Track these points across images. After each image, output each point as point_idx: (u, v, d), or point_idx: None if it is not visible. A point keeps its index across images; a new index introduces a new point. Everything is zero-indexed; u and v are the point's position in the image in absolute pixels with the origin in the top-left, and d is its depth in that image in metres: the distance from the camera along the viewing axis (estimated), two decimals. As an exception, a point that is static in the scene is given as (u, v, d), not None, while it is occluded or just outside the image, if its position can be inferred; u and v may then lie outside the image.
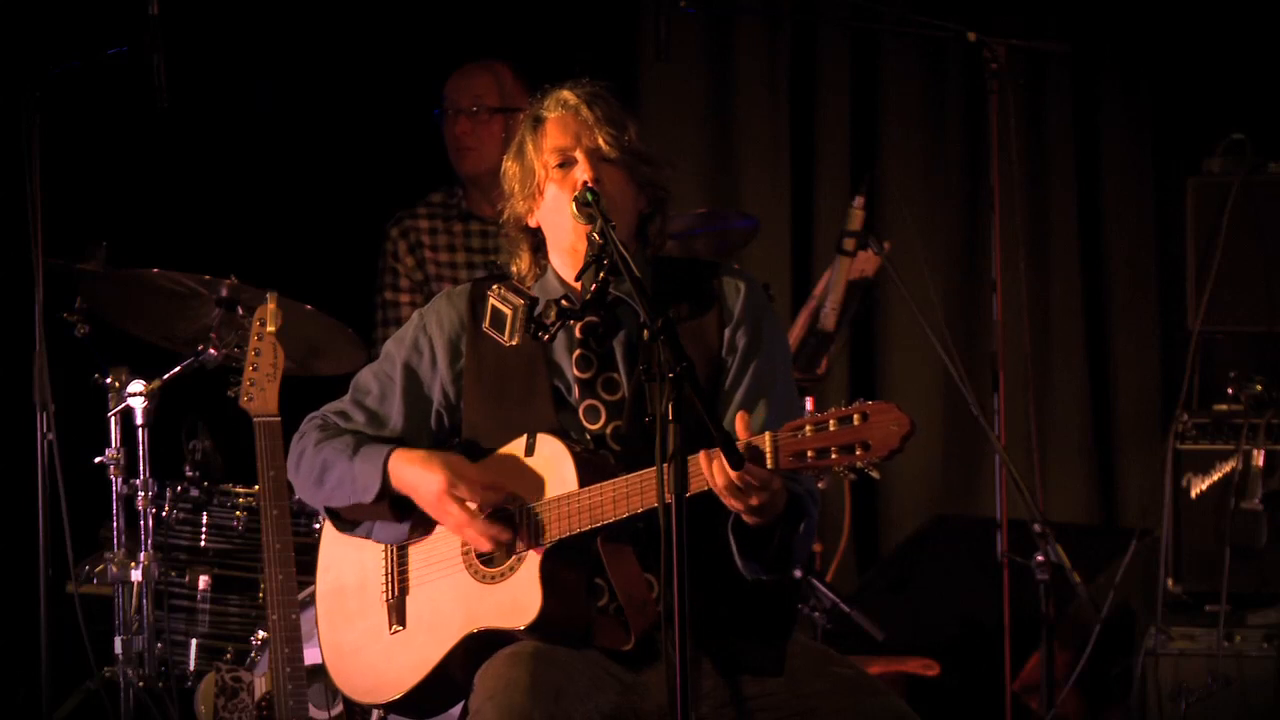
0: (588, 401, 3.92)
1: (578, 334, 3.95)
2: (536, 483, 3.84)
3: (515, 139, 4.02)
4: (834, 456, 3.54)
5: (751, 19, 6.87)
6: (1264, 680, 5.43)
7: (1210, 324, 5.67)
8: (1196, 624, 5.51)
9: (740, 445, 3.59)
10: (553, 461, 3.83)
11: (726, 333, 3.94)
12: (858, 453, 3.53)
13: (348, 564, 4.05)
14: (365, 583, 4.01)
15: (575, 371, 3.93)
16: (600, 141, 3.92)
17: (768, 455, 3.59)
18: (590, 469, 3.81)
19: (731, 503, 3.63)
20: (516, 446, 3.89)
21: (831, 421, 3.55)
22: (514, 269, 4.05)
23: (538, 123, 3.97)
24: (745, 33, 6.91)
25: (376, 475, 3.90)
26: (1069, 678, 5.58)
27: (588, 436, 3.90)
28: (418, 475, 3.88)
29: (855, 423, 3.54)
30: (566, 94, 3.97)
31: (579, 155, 3.92)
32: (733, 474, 3.59)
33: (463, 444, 4.01)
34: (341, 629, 4.03)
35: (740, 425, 3.63)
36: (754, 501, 3.61)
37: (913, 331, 6.46)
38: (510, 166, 4.01)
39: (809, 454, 3.56)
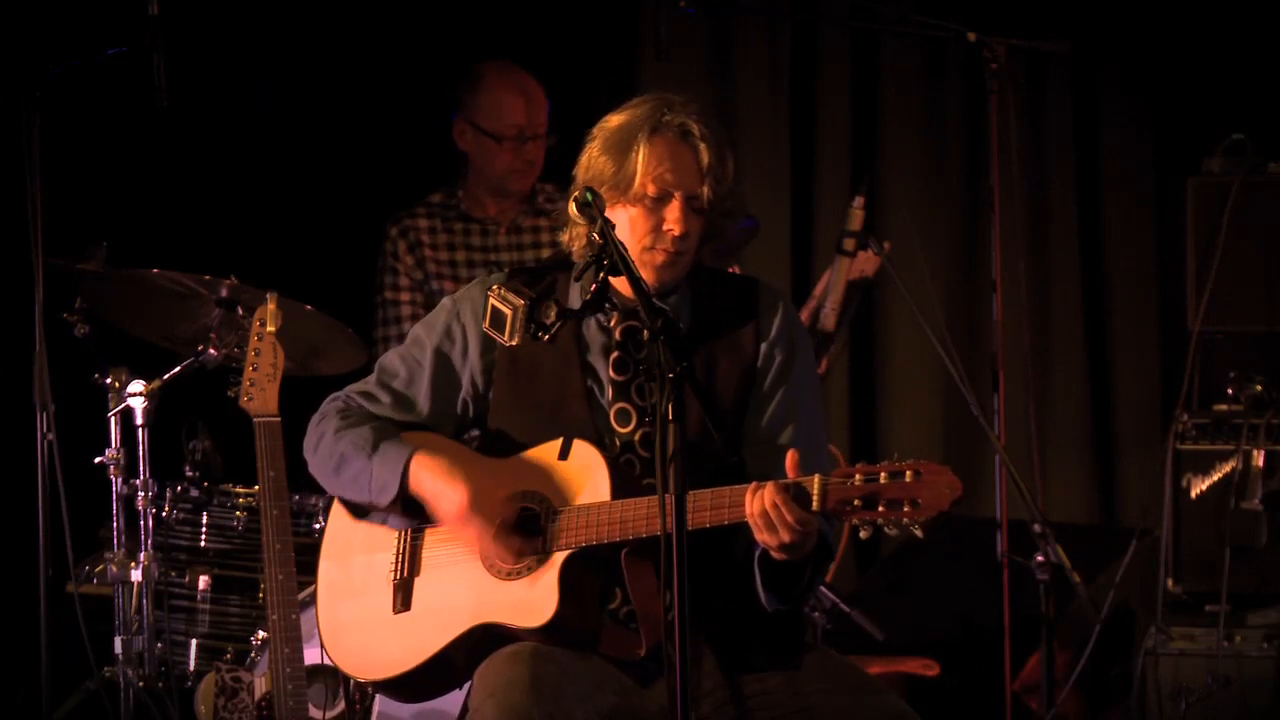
0: (620, 404, 3.91)
1: (618, 336, 3.93)
2: (567, 487, 3.83)
3: (620, 130, 3.90)
4: (881, 510, 3.53)
5: (751, 19, 6.86)
6: (1264, 680, 5.42)
7: (1210, 324, 5.67)
8: (1196, 624, 5.51)
9: (788, 485, 3.58)
10: (587, 469, 3.82)
11: (763, 347, 3.93)
12: (905, 509, 3.51)
13: (357, 537, 4.03)
14: (373, 560, 4.00)
15: (611, 373, 3.92)
16: (704, 192, 3.88)
17: (815, 498, 3.58)
18: (624, 481, 3.80)
19: (763, 537, 3.62)
20: (550, 448, 3.87)
21: (883, 474, 3.53)
22: (564, 238, 3.98)
23: (655, 132, 3.88)
24: (745, 33, 6.90)
25: (395, 481, 3.89)
26: (1069, 678, 5.58)
27: (616, 440, 3.89)
28: (439, 488, 3.86)
29: (907, 479, 3.52)
30: (694, 124, 3.89)
31: (678, 197, 3.88)
32: (767, 503, 3.58)
33: (487, 437, 4.00)
34: (343, 601, 4.02)
35: (790, 465, 3.63)
36: (786, 539, 3.60)
37: (913, 331, 6.46)
38: (602, 159, 3.90)
39: (855, 503, 3.55)
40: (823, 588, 5.60)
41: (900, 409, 6.89)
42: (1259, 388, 5.57)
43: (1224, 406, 5.63)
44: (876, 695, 3.81)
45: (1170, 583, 5.56)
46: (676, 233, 3.87)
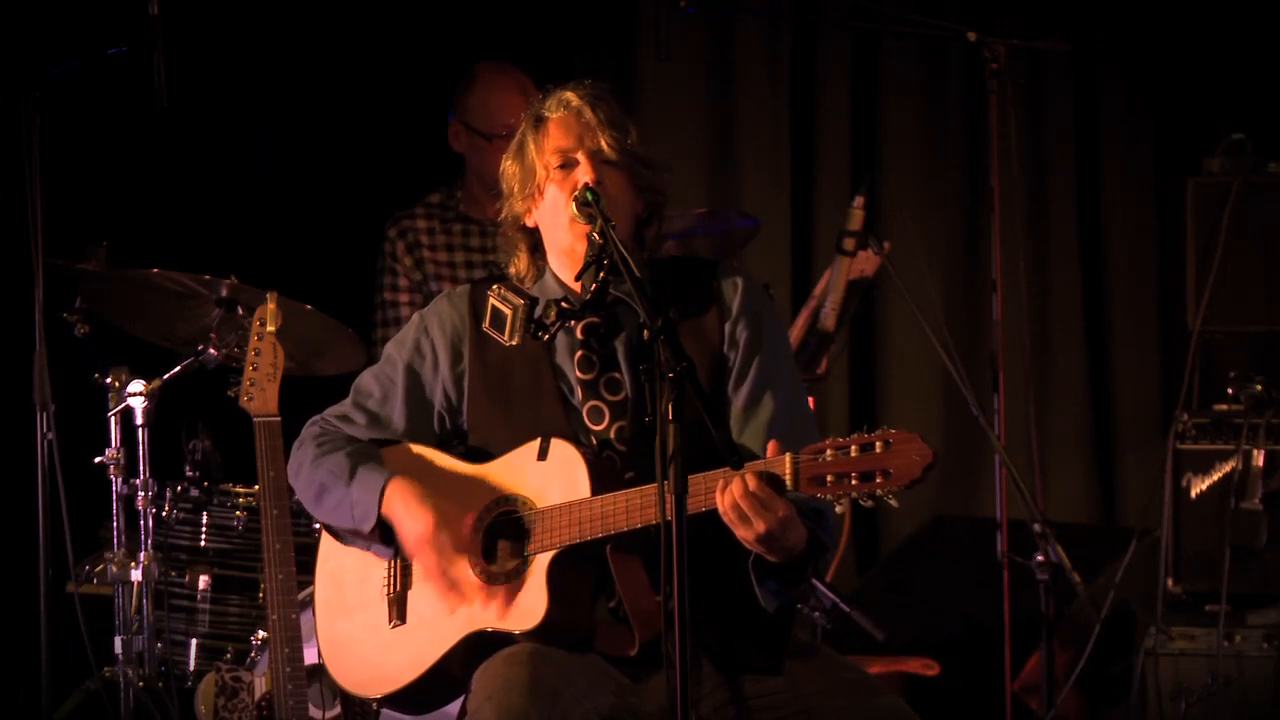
0: (591, 403, 3.92)
1: (579, 335, 3.94)
2: (548, 486, 3.83)
3: (515, 138, 4.01)
4: (854, 483, 3.54)
5: (751, 19, 6.86)
6: (1264, 680, 5.43)
7: (1210, 324, 5.67)
8: (1196, 624, 5.51)
9: (762, 470, 3.58)
10: (566, 467, 3.82)
11: (727, 328, 3.94)
12: (878, 480, 3.52)
13: (349, 554, 4.04)
14: (366, 575, 4.01)
15: (578, 373, 3.93)
16: (603, 144, 3.92)
17: (787, 478, 3.58)
18: (603, 476, 3.80)
19: (741, 532, 3.62)
20: (529, 450, 3.88)
21: (853, 447, 3.54)
22: (512, 269, 4.04)
23: (539, 123, 3.97)
24: (745, 33, 6.90)
25: (373, 507, 3.91)
26: (1069, 678, 5.58)
27: (593, 438, 3.90)
28: (405, 514, 3.89)
29: (877, 450, 3.52)
30: (569, 95, 3.96)
31: (581, 157, 3.92)
32: (738, 494, 3.58)
33: (468, 445, 4.01)
34: (339, 619, 4.03)
35: (772, 451, 3.63)
36: (760, 528, 3.59)
37: (913, 331, 6.46)
38: (510, 166, 4.00)
39: (828, 479, 3.55)
40: (823, 587, 5.60)
41: (900, 409, 6.89)
42: (1259, 388, 5.57)
43: (1224, 406, 5.63)
44: (876, 695, 3.81)
45: (1170, 583, 5.56)
46: (592, 180, 3.87)
